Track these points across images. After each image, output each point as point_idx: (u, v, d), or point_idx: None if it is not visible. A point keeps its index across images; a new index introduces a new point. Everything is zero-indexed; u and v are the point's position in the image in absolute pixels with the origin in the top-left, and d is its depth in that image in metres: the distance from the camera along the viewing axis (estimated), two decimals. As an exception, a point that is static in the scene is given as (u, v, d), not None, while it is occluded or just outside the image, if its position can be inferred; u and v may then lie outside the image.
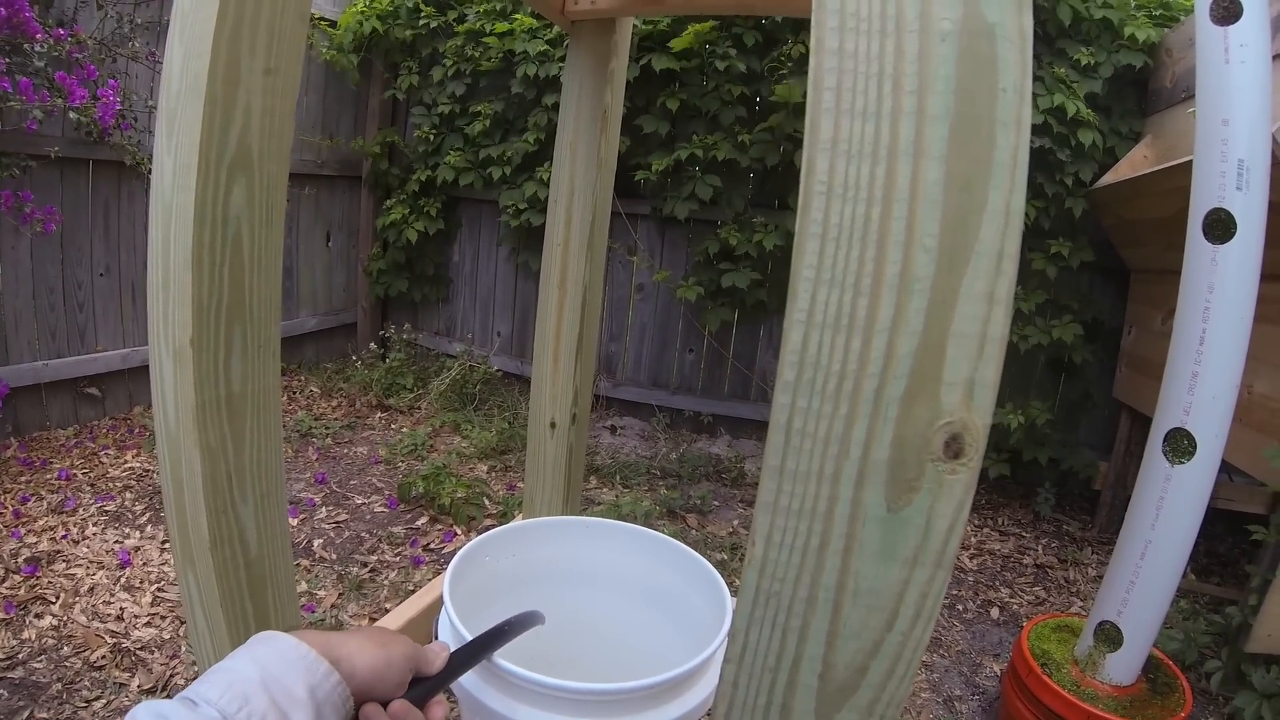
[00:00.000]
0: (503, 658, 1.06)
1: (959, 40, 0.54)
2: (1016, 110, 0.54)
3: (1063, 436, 3.70)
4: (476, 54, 4.41)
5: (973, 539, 3.50)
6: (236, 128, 0.95)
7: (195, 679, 0.68)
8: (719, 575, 1.39)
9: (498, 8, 4.39)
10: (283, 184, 1.03)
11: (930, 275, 0.54)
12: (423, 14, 4.61)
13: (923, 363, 0.55)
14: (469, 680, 1.10)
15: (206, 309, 0.96)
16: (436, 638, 1.23)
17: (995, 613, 2.92)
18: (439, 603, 1.22)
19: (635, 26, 3.75)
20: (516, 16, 4.28)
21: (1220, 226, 1.82)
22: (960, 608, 2.93)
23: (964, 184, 0.54)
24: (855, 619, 0.59)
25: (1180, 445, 1.87)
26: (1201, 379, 1.84)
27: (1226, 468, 2.64)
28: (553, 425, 2.04)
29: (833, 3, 0.57)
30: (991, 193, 0.54)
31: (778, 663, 0.63)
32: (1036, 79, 3.55)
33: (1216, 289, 1.83)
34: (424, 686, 0.87)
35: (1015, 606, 2.97)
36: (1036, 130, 3.51)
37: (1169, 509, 1.89)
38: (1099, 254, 3.67)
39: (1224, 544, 3.50)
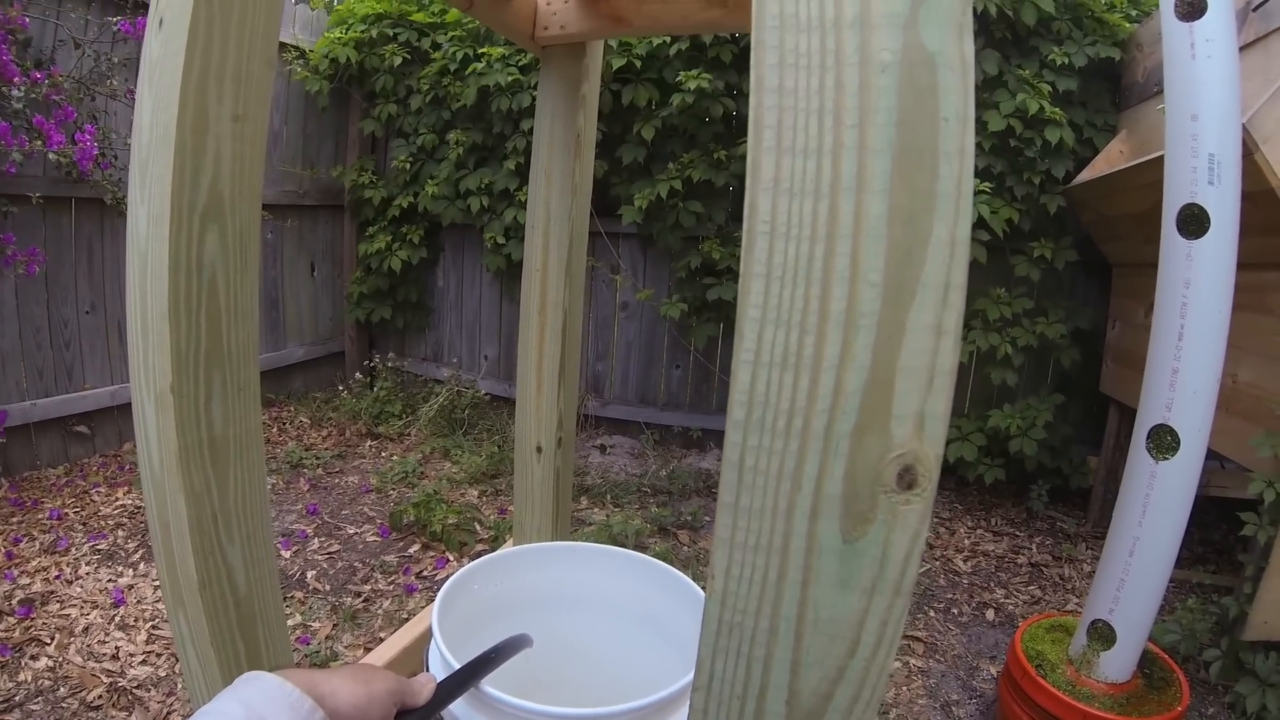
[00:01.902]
0: (494, 683, 1.06)
1: (899, 71, 0.55)
2: (959, 139, 0.54)
3: (1054, 434, 3.72)
4: (455, 90, 4.42)
5: (966, 541, 3.51)
6: (207, 175, 0.96)
7: (188, 718, 0.68)
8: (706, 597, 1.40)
9: (471, 31, 4.40)
10: (255, 229, 1.04)
11: (876, 310, 0.55)
12: (387, 52, 4.61)
13: (871, 397, 0.56)
14: (459, 709, 1.10)
15: (185, 355, 0.97)
16: (427, 668, 1.23)
17: (991, 614, 2.93)
18: (430, 632, 1.23)
19: (610, 54, 3.78)
20: (484, 50, 4.29)
21: (1194, 222, 1.84)
22: (955, 611, 2.94)
23: (908, 217, 0.54)
24: (817, 647, 0.60)
25: (1164, 441, 1.88)
26: (1181, 375, 1.85)
27: (1218, 455, 2.66)
28: (539, 450, 2.04)
29: (771, 39, 0.57)
30: (936, 224, 0.54)
31: (745, 691, 0.63)
32: (1001, 83, 3.58)
33: (1193, 284, 1.84)
34: (410, 717, 0.87)
35: (1011, 607, 2.98)
36: (1004, 134, 3.55)
37: (1155, 505, 1.90)
38: (1081, 251, 3.69)
39: (1218, 531, 3.52)
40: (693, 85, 3.73)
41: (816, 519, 0.58)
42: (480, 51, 4.29)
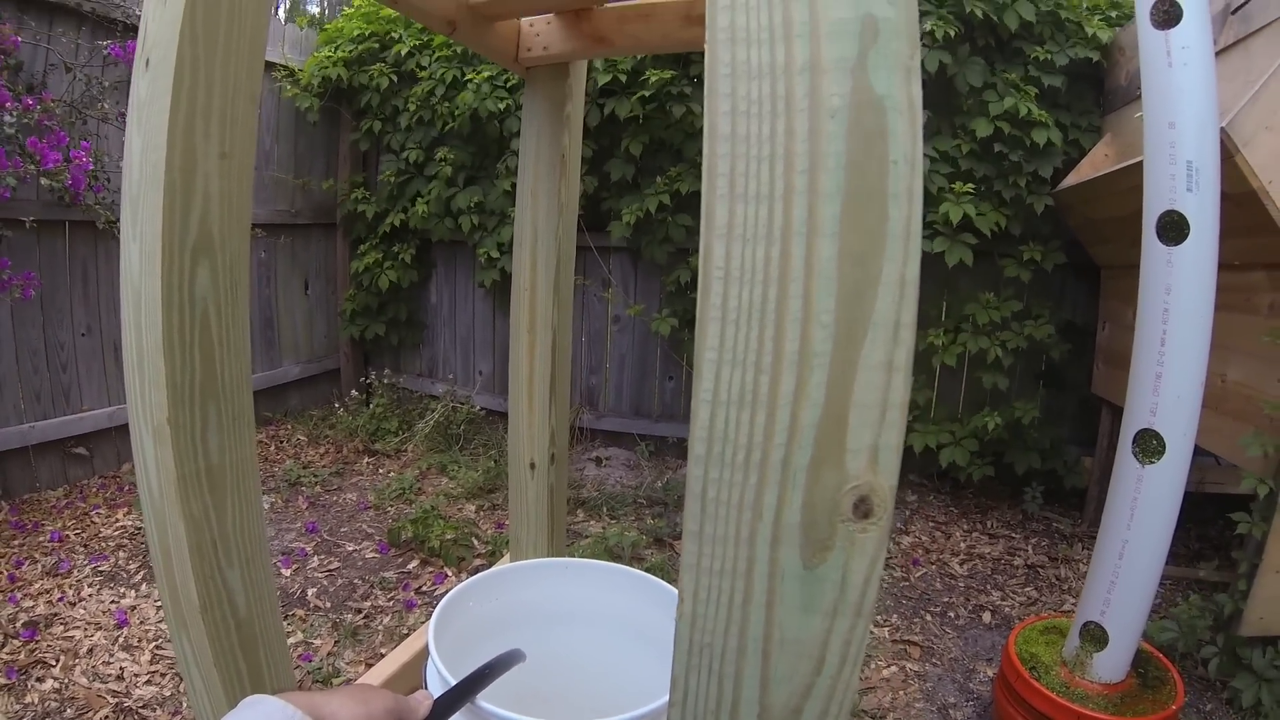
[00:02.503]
0: (493, 698, 1.08)
1: (848, 115, 0.57)
2: (908, 181, 0.57)
3: (1046, 435, 3.74)
4: (444, 110, 4.44)
5: (962, 544, 3.53)
6: (197, 212, 0.98)
7: None
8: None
9: (458, 51, 4.43)
10: (245, 262, 1.07)
11: (829, 350, 0.57)
12: (374, 71, 4.62)
13: (826, 432, 0.58)
14: (456, 724, 1.12)
15: (180, 388, 0.99)
16: (425, 685, 1.26)
17: (987, 617, 2.95)
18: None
19: (595, 73, 3.80)
20: (470, 76, 4.32)
21: (1174, 228, 1.86)
22: (952, 614, 2.96)
23: (858, 259, 0.56)
24: (784, 665, 0.63)
25: (1149, 445, 1.90)
26: (1165, 379, 1.87)
27: (1212, 452, 2.68)
28: (532, 466, 2.07)
29: (724, 86, 0.59)
30: (885, 265, 0.56)
31: (718, 706, 0.66)
32: (989, 86, 3.61)
33: (1174, 290, 1.86)
34: None
35: (1007, 609, 3.00)
36: (990, 138, 3.58)
37: (1143, 508, 1.92)
38: (1070, 253, 3.72)
39: (1214, 528, 3.53)
40: (654, 79, 3.79)
41: (778, 546, 0.60)
42: (467, 78, 4.33)
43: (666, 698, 1.11)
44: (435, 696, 1.00)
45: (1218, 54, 1.94)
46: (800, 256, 0.57)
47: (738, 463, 0.60)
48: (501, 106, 4.17)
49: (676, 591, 1.46)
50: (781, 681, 0.63)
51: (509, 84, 4.22)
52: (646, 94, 3.85)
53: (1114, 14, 3.73)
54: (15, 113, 3.04)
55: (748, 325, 0.58)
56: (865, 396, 0.57)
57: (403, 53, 4.58)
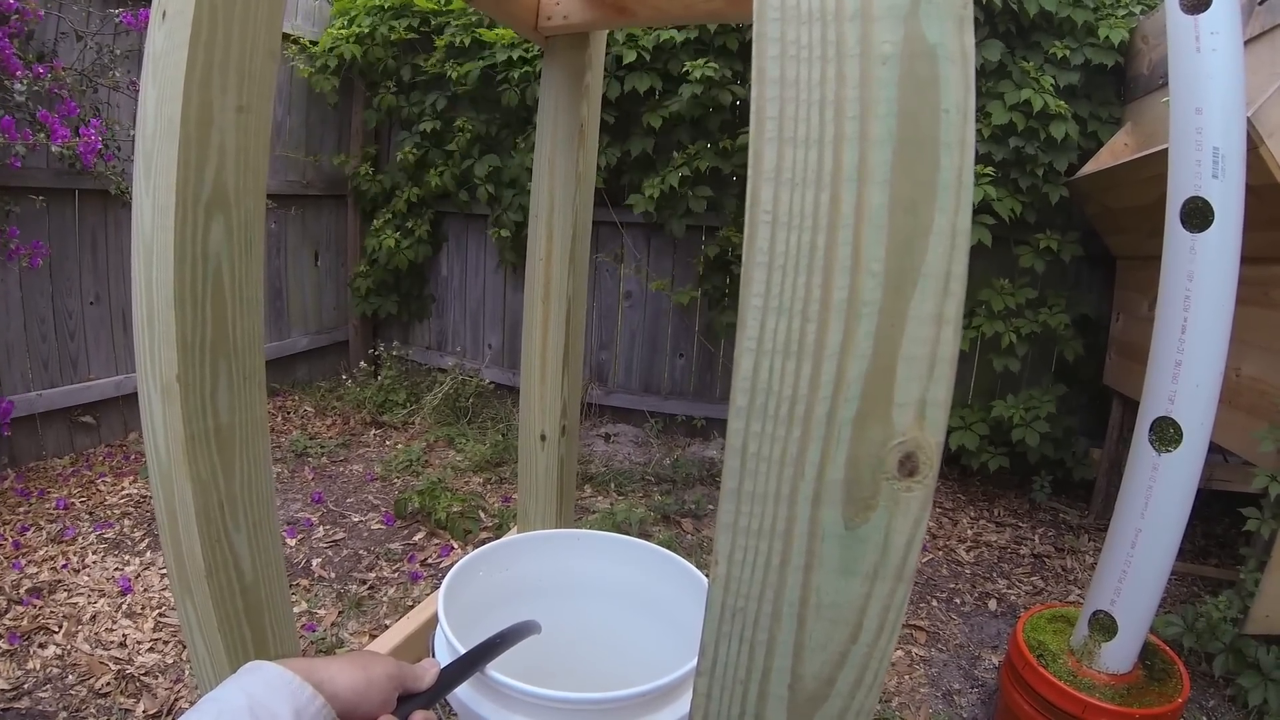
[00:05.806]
0: (500, 668, 1.07)
1: (900, 63, 0.55)
2: (960, 131, 0.55)
3: (1056, 426, 3.72)
4: (456, 73, 4.41)
5: (969, 531, 3.51)
6: (212, 167, 0.96)
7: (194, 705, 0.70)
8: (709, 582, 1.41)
9: (475, 20, 4.39)
10: (260, 218, 1.05)
11: (878, 299, 0.55)
12: (394, 32, 4.59)
13: (873, 385, 0.56)
14: (465, 693, 1.11)
15: (191, 345, 0.97)
16: (433, 653, 1.24)
17: (993, 604, 2.93)
18: (436, 618, 1.24)
19: (619, 46, 3.76)
20: (491, 34, 4.28)
21: (1198, 215, 1.83)
22: (958, 600, 2.95)
23: (909, 207, 0.55)
24: (820, 632, 0.61)
25: (1166, 434, 1.88)
26: (1185, 367, 1.85)
27: (1221, 449, 2.65)
28: (543, 438, 2.06)
29: (773, 31, 0.58)
30: (937, 214, 0.54)
31: (748, 675, 0.64)
32: (1005, 75, 3.57)
33: (1196, 277, 1.83)
34: (413, 702, 0.88)
35: (1013, 597, 2.99)
36: (1007, 127, 3.54)
37: (1158, 497, 1.89)
38: (1085, 243, 3.69)
39: (1220, 525, 3.52)
40: (699, 74, 3.72)
41: (819, 505, 0.58)
42: (485, 34, 4.30)
43: (679, 673, 1.11)
44: (443, 665, 0.99)
45: (1244, 44, 1.91)
46: (850, 203, 0.55)
47: (780, 416, 0.58)
48: (519, 73, 4.14)
49: (689, 566, 1.45)
50: (816, 649, 0.61)
51: (531, 54, 4.18)
52: (697, 89, 3.79)
53: (1138, 8, 3.67)
54: (26, 81, 3.01)
55: (794, 272, 0.57)
56: (914, 349, 0.56)
57: (419, 18, 4.55)
